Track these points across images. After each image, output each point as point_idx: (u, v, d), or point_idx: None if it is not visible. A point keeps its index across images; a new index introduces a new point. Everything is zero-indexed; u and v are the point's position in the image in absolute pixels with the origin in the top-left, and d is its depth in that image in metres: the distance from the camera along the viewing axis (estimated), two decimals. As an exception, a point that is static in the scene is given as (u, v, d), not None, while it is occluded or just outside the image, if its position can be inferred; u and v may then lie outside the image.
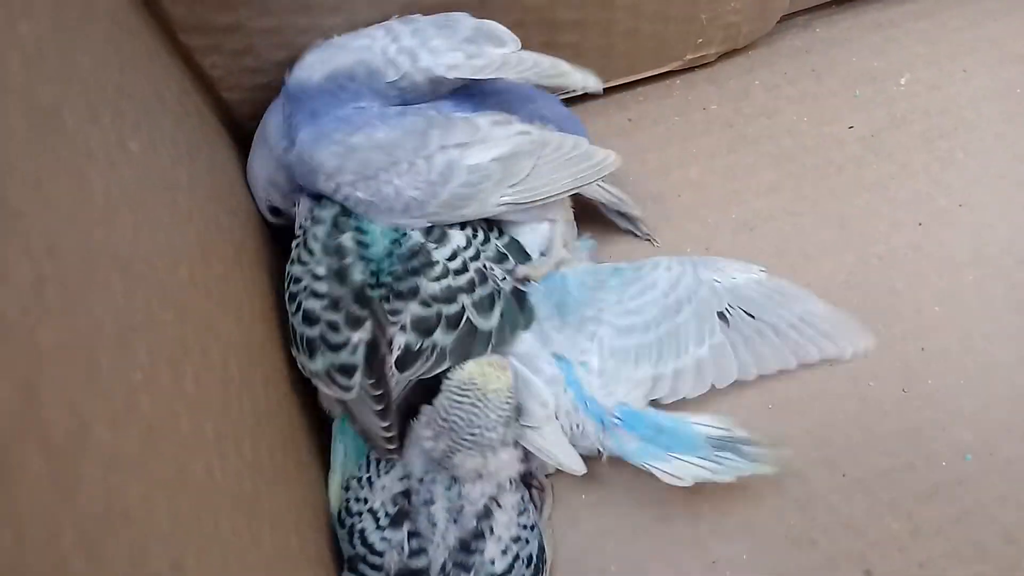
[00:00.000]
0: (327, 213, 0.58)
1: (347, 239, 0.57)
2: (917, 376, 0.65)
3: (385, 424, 0.54)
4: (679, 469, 0.57)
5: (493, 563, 0.54)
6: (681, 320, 0.61)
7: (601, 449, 0.58)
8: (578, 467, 0.57)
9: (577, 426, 0.58)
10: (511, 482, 0.56)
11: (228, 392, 0.47)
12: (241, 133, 0.66)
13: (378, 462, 0.57)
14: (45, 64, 0.34)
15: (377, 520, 0.54)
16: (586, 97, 0.77)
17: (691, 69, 0.79)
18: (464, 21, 0.58)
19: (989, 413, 0.64)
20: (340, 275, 0.55)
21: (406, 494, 0.55)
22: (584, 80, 0.58)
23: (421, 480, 0.55)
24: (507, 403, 0.54)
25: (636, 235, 0.72)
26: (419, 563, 0.53)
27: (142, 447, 0.35)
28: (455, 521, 0.54)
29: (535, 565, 0.56)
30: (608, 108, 0.78)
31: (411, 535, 0.54)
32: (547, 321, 0.60)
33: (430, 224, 0.58)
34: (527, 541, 0.56)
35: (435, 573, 0.53)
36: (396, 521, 0.54)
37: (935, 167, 0.74)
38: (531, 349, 0.58)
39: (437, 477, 0.55)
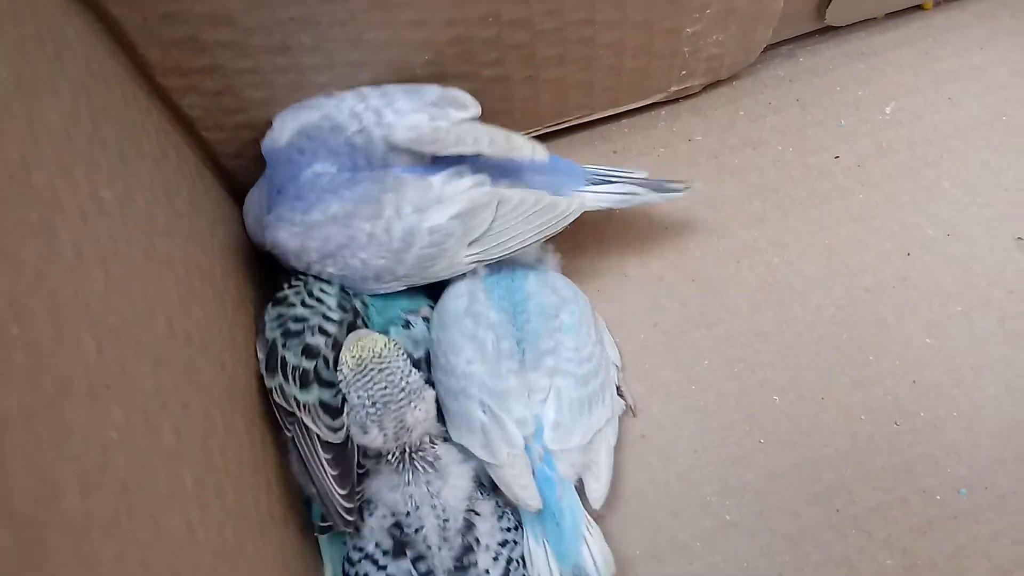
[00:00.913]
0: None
1: (358, 302, 0.61)
2: (908, 410, 0.65)
3: (342, 492, 0.54)
4: (538, 557, 0.56)
5: (488, 573, 0.54)
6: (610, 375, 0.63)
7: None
8: (535, 503, 0.56)
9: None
10: (480, 491, 0.57)
11: (209, 442, 0.46)
12: (224, 171, 0.65)
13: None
14: (12, 123, 0.34)
15: (376, 561, 0.54)
16: (572, 129, 0.77)
17: (676, 100, 0.79)
18: (431, 89, 0.60)
19: (982, 447, 0.63)
20: (349, 327, 0.58)
21: (397, 525, 0.55)
22: (533, 152, 0.61)
23: (407, 513, 0.55)
24: (398, 348, 0.57)
25: (678, 191, 0.67)
26: None
27: (115, 507, 0.34)
28: (445, 540, 0.54)
29: (525, 562, 0.57)
30: (593, 140, 0.78)
31: (415, 561, 0.54)
32: (504, 341, 0.59)
33: (406, 287, 0.61)
34: (515, 542, 0.56)
35: None
36: (396, 552, 0.54)
37: (922, 196, 0.74)
38: (508, 386, 0.57)
39: (421, 505, 0.55)
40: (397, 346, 0.57)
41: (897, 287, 0.70)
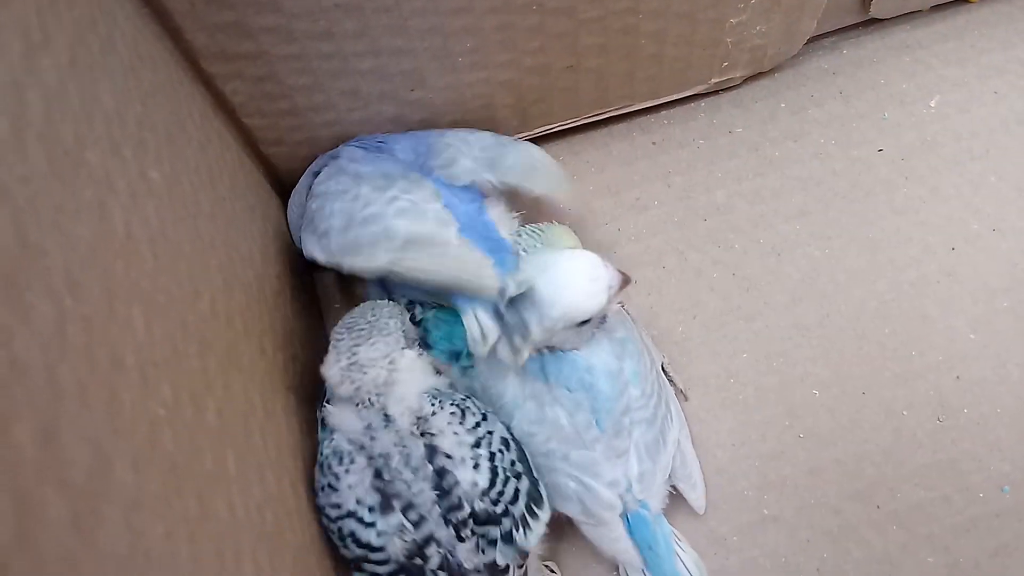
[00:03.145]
0: None
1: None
2: (952, 406, 0.64)
3: None
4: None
5: (476, 484, 0.51)
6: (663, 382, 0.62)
7: None
8: (635, 559, 0.57)
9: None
10: (432, 402, 0.54)
11: (250, 424, 0.46)
12: (263, 159, 0.66)
13: (329, 465, 0.53)
14: (67, 101, 0.34)
15: (362, 519, 0.51)
16: (611, 120, 0.77)
17: (716, 92, 0.78)
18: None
19: (1027, 444, 0.62)
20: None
21: (377, 474, 0.51)
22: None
23: (372, 439, 0.52)
24: (397, 310, 0.57)
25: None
26: (424, 533, 0.50)
27: (164, 485, 0.34)
28: (416, 469, 0.51)
29: (511, 443, 0.54)
30: (632, 131, 0.77)
31: (405, 510, 0.50)
32: (578, 414, 0.56)
33: (326, 263, 0.58)
34: (488, 433, 0.53)
35: (444, 535, 0.50)
36: (384, 507, 0.51)
37: (967, 191, 0.72)
38: (594, 457, 0.56)
39: (378, 434, 0.52)
40: (398, 309, 0.57)
41: (942, 282, 0.68)
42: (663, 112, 0.78)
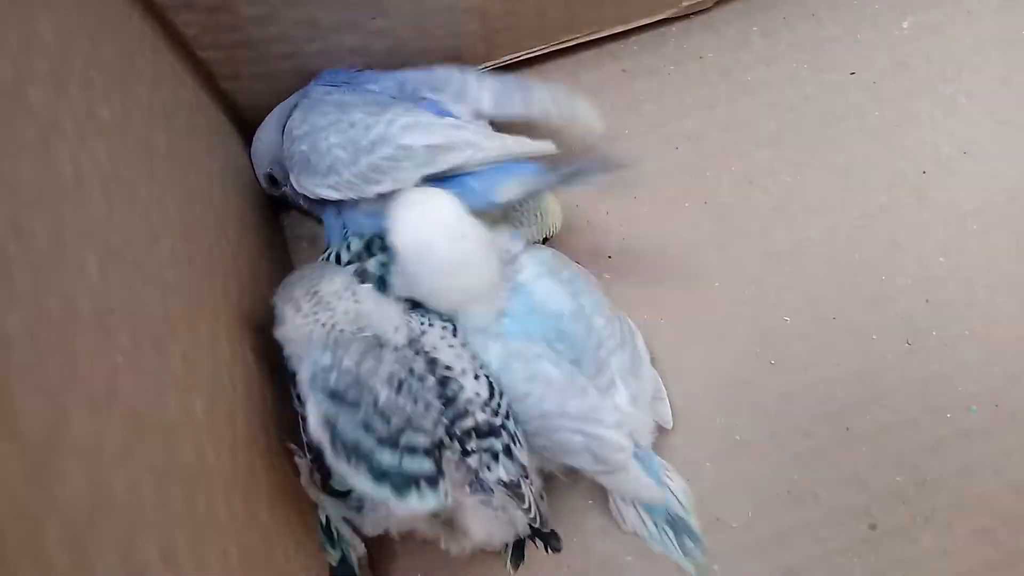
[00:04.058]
0: None
1: None
2: (921, 329, 0.64)
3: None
4: (629, 515, 0.58)
5: (479, 394, 0.50)
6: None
7: None
8: (661, 496, 0.57)
9: None
10: (423, 320, 0.53)
11: (218, 368, 0.46)
12: (222, 94, 0.64)
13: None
14: (5, 39, 0.32)
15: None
16: (580, 47, 0.75)
17: (687, 16, 0.76)
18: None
19: (994, 365, 0.63)
20: None
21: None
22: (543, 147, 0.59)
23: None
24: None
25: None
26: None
27: (126, 433, 0.33)
28: (423, 382, 0.49)
29: (488, 373, 0.52)
30: (601, 58, 0.76)
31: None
32: (562, 363, 0.55)
33: (342, 198, 0.58)
34: (471, 357, 0.52)
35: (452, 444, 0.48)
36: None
37: (938, 114, 0.72)
38: (591, 402, 0.55)
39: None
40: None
41: (913, 206, 0.68)
42: (633, 38, 0.76)
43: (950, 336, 0.64)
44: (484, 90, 0.59)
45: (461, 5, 0.63)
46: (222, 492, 0.41)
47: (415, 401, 0.47)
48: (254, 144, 0.65)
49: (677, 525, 0.57)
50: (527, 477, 0.52)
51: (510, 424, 0.51)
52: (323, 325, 0.49)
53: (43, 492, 0.27)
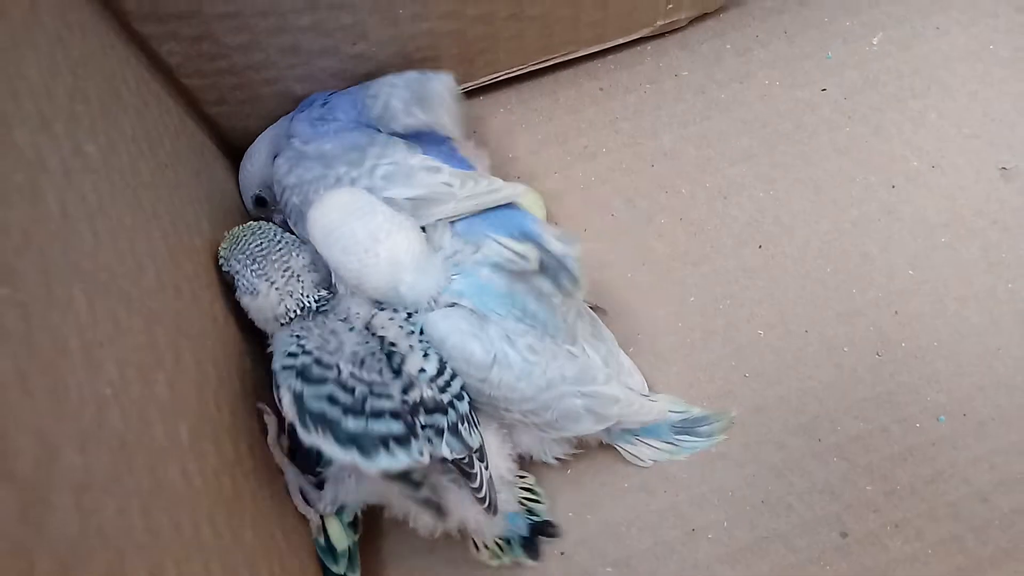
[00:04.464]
0: None
1: None
2: (891, 341, 0.66)
3: None
4: (641, 451, 0.62)
5: (424, 370, 0.51)
6: None
7: None
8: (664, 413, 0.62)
9: None
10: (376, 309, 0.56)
11: (204, 392, 0.47)
12: (208, 119, 0.65)
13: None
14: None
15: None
16: (557, 67, 0.76)
17: (662, 35, 0.78)
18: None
19: (962, 375, 0.65)
20: None
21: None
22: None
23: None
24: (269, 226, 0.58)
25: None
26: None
27: (114, 462, 0.34)
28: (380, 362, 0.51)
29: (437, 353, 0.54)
30: (579, 77, 0.77)
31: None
32: (537, 333, 0.57)
33: None
34: (421, 340, 0.54)
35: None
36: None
37: (907, 128, 0.74)
38: (579, 364, 0.58)
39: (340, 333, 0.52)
40: (269, 226, 0.58)
41: (882, 220, 0.70)
42: (609, 57, 0.78)
43: (919, 347, 0.66)
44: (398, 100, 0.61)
45: (440, 29, 0.65)
46: (207, 514, 0.42)
47: (379, 373, 0.50)
48: (242, 169, 0.66)
49: (688, 425, 0.62)
50: (482, 460, 0.53)
51: (462, 405, 0.53)
52: (293, 298, 0.55)
53: (34, 528, 0.28)
